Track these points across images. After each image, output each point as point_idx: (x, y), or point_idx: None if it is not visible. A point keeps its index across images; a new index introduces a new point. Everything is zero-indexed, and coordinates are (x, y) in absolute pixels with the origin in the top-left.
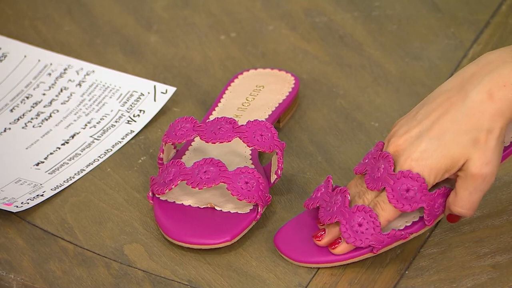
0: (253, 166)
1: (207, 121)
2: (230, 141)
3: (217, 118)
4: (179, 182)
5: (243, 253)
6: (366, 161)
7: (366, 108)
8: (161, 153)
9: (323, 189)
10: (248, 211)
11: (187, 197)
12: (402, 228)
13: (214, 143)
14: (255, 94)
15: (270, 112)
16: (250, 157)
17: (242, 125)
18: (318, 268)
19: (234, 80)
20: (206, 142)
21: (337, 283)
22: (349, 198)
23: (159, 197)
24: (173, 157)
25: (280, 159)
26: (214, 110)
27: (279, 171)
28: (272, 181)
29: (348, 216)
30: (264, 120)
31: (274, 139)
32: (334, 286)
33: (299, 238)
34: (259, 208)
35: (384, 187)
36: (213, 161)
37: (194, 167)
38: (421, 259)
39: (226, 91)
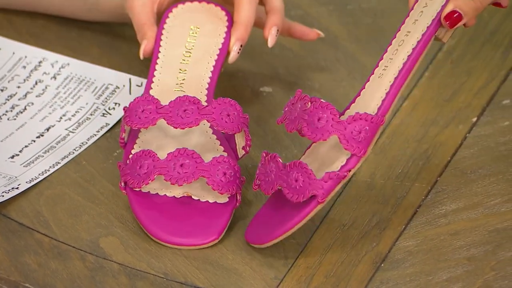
0: (218, 142)
1: (170, 101)
2: (198, 124)
3: (179, 97)
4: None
5: (219, 246)
6: (286, 109)
7: (341, 101)
8: (123, 133)
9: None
10: (227, 199)
11: (162, 187)
12: (338, 170)
13: (183, 128)
14: (193, 41)
15: (214, 63)
16: (212, 130)
17: (207, 106)
18: (294, 261)
19: (166, 21)
20: (174, 127)
21: (313, 276)
22: (280, 161)
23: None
24: (132, 133)
25: (248, 136)
26: (157, 64)
27: (248, 148)
28: (240, 156)
29: (286, 177)
30: (211, 71)
31: (240, 117)
32: (310, 279)
33: (262, 223)
34: (237, 196)
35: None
36: (187, 152)
37: (169, 159)
38: (396, 252)
39: (162, 37)
